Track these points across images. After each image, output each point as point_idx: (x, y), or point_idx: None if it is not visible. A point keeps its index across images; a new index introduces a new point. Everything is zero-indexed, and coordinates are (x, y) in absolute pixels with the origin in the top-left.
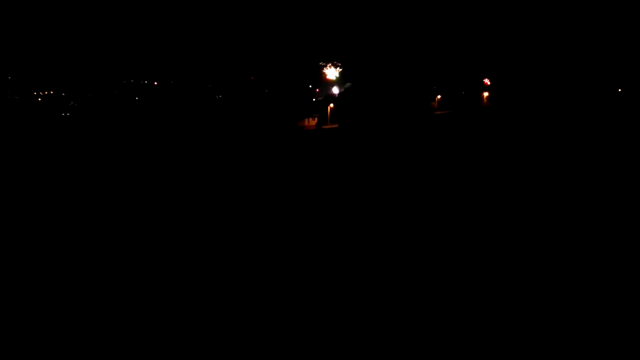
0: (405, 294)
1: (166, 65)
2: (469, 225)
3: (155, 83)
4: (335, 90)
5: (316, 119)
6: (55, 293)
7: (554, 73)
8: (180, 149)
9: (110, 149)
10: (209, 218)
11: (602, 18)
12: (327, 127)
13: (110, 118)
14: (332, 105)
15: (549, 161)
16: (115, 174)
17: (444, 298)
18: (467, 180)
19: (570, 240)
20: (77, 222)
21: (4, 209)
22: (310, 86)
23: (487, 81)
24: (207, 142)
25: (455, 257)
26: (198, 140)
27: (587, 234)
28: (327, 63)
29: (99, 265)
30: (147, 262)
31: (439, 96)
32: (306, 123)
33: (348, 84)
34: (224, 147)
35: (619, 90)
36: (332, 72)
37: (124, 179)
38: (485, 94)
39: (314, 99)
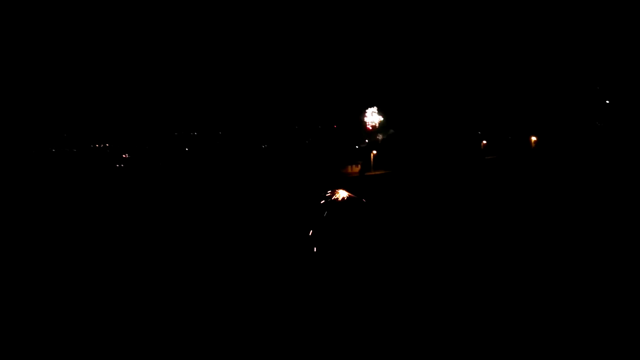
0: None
1: (213, 118)
2: (522, 267)
3: (204, 134)
4: (378, 137)
5: (359, 165)
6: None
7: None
8: (229, 195)
9: (165, 194)
10: (261, 254)
11: None
12: (370, 173)
13: (162, 168)
14: (375, 152)
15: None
16: (171, 215)
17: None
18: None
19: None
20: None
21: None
22: (352, 134)
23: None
24: (255, 190)
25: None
26: (246, 187)
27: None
28: (370, 110)
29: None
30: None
31: (484, 141)
32: (349, 170)
33: (391, 131)
34: (269, 195)
35: None
36: (374, 120)
37: (178, 222)
38: (533, 138)
39: (357, 146)
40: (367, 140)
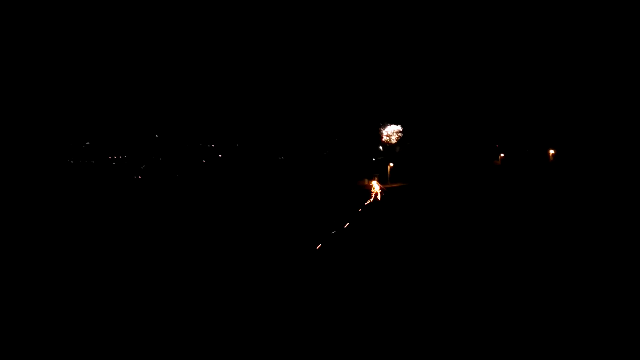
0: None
1: (231, 130)
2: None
3: (221, 146)
4: (395, 149)
5: (376, 178)
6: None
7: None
8: (246, 206)
9: (181, 206)
10: (280, 265)
11: None
12: (387, 186)
13: (179, 180)
14: (391, 164)
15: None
16: (188, 228)
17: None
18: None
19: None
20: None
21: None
22: (369, 146)
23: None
24: (271, 203)
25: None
26: (263, 199)
27: None
28: (387, 123)
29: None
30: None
31: (502, 154)
32: (366, 182)
33: (407, 144)
34: (286, 208)
35: None
36: (391, 133)
37: (195, 234)
38: (552, 151)
39: (373, 159)
40: (381, 148)
